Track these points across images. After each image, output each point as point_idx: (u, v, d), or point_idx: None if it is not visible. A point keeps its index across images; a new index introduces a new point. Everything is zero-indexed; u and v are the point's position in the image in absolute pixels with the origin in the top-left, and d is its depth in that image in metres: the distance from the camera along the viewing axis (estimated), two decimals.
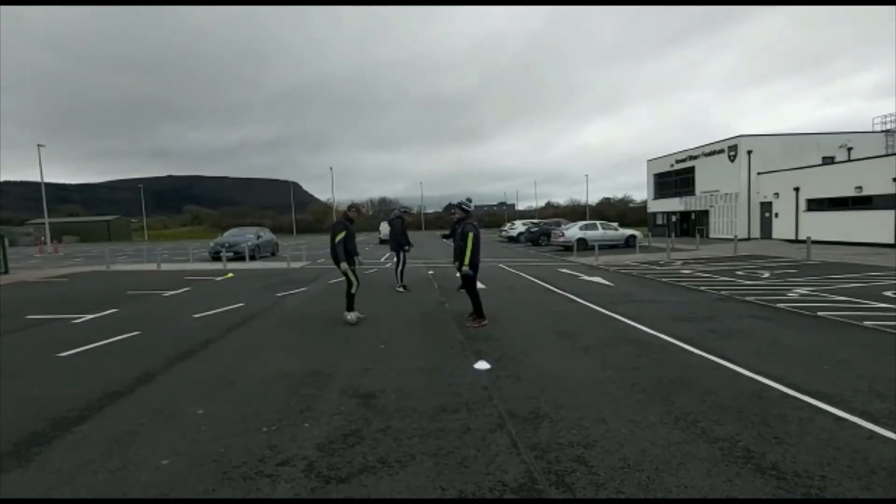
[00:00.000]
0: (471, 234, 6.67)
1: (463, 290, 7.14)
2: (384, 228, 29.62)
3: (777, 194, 25.61)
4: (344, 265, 7.07)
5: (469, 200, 7.49)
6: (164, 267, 18.13)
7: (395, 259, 10.68)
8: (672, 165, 34.64)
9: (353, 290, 7.18)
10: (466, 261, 6.72)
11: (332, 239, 7.08)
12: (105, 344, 6.17)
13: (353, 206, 7.86)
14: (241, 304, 9.09)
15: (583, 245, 21.18)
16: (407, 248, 10.61)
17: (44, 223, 43.84)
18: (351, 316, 7.15)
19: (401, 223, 10.79)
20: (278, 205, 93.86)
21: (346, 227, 7.13)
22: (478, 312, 6.90)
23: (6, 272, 16.43)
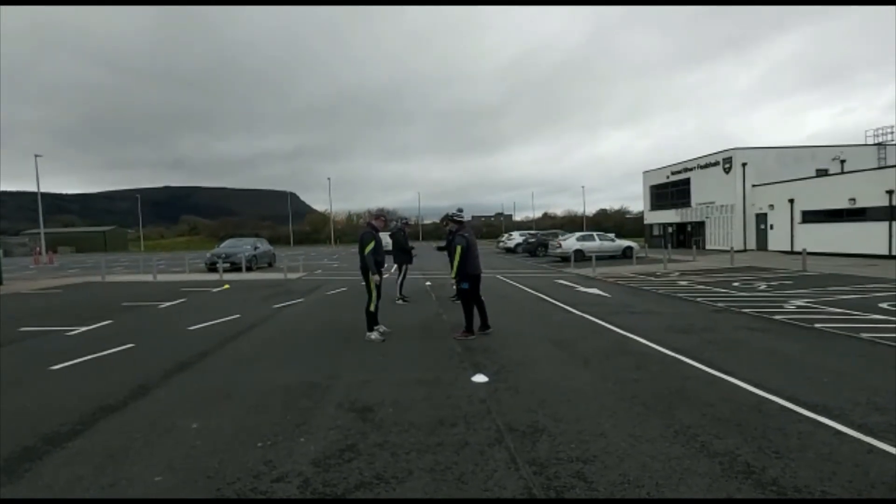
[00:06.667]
0: (459, 248, 6.62)
1: (458, 301, 7.10)
2: (386, 240, 29.73)
3: (772, 206, 25.80)
4: (376, 278, 6.60)
5: (460, 210, 7.43)
6: (161, 278, 18.04)
7: (397, 271, 10.65)
8: (668, 177, 34.90)
9: (372, 308, 6.73)
10: (453, 273, 6.72)
11: (362, 250, 6.65)
12: (99, 356, 6.11)
13: (380, 213, 7.16)
14: (237, 316, 9.04)
15: (580, 256, 21.23)
16: (414, 252, 10.72)
17: (39, 233, 43.65)
18: (374, 335, 6.71)
19: (403, 235, 10.79)
20: (276, 215, 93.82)
21: (374, 236, 6.69)
22: (466, 325, 6.85)
23: (1, 283, 16.31)
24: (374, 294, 6.74)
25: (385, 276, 7.17)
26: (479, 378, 4.90)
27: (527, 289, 12.70)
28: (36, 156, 40.26)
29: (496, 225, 79.90)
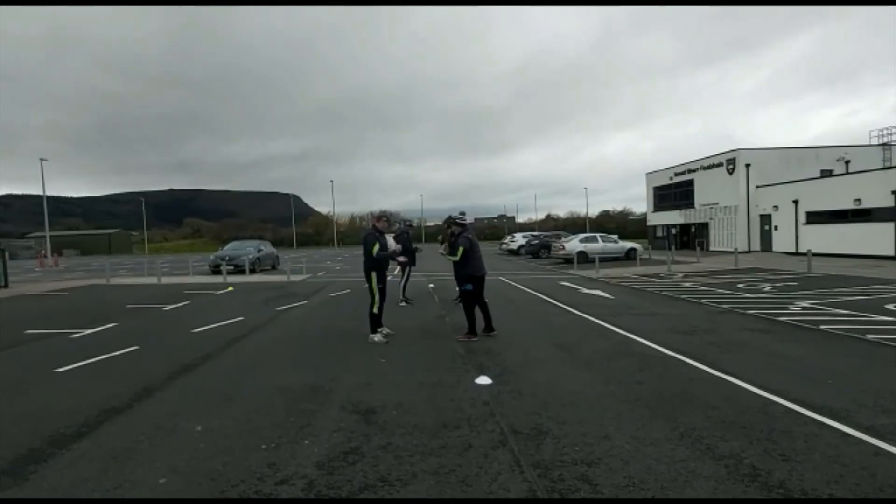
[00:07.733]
0: (461, 249, 6.68)
1: (460, 303, 7.11)
2: (391, 243, 29.77)
3: (776, 207, 25.69)
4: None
5: (463, 214, 7.50)
6: (164, 280, 18.11)
7: (401, 272, 10.64)
8: (671, 178, 34.81)
9: (375, 310, 6.72)
10: (453, 255, 6.76)
11: (368, 252, 6.63)
12: (104, 359, 6.13)
13: (383, 215, 7.20)
14: (240, 318, 9.06)
15: (583, 258, 21.17)
16: (417, 250, 10.76)
17: (45, 236, 43.90)
18: (377, 337, 6.71)
19: (407, 237, 10.79)
20: (279, 217, 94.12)
21: (377, 238, 6.67)
22: (469, 327, 6.85)
23: (6, 286, 16.40)
24: (377, 296, 6.73)
25: (388, 277, 7.19)
26: (483, 380, 4.89)
27: (530, 290, 12.68)
28: (41, 159, 40.55)
29: (499, 227, 79.78)
